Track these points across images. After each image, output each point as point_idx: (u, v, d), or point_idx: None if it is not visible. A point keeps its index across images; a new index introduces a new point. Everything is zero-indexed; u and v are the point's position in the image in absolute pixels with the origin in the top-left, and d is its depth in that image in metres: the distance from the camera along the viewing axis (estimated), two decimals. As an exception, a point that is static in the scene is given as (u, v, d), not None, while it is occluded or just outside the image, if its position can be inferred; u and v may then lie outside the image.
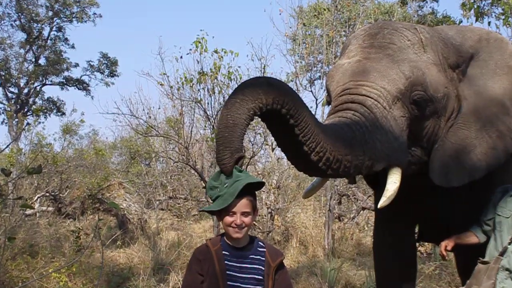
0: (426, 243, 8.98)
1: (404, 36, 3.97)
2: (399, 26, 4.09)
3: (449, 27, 4.60)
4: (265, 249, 2.98)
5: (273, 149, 10.80)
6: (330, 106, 3.94)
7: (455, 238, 4.24)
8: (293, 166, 3.51)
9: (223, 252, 2.91)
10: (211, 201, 2.91)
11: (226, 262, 2.89)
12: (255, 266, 2.92)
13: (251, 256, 2.94)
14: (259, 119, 8.92)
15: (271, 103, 2.90)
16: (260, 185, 2.99)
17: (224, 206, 2.81)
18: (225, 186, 2.81)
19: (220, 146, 2.72)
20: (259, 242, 3.01)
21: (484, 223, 4.22)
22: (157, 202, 14.15)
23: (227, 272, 2.87)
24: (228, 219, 2.87)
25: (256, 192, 3.06)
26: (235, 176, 2.80)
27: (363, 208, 11.53)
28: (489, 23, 7.89)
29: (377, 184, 4.11)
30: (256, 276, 2.90)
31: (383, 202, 3.69)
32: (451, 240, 4.23)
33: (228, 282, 2.86)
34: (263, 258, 2.94)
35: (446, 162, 3.98)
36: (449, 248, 4.23)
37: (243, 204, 2.85)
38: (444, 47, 4.07)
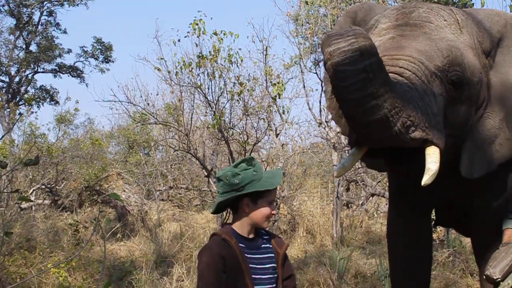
0: (439, 230, 8.83)
1: (441, 15, 3.84)
2: (434, 6, 3.96)
3: (476, 10, 4.48)
4: (268, 237, 2.98)
5: (277, 135, 10.63)
6: None
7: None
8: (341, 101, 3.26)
9: (240, 244, 2.85)
10: (235, 189, 2.81)
11: (245, 255, 2.84)
12: (269, 255, 2.91)
13: (263, 246, 2.92)
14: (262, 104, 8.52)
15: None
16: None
17: (275, 186, 2.88)
18: (249, 171, 2.81)
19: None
20: (261, 230, 2.98)
21: (510, 211, 4.18)
22: (158, 193, 14.06)
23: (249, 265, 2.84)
24: (267, 209, 2.86)
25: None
26: (257, 167, 2.86)
27: (372, 195, 11.50)
28: (506, -3, 7.52)
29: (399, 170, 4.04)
30: (273, 265, 2.89)
31: (426, 179, 3.46)
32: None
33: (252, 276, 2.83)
34: (271, 246, 2.94)
35: (473, 153, 3.90)
36: None
37: (275, 193, 2.93)
38: (478, 31, 3.96)
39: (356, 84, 3.09)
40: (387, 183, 5.54)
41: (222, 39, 9.31)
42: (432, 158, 3.47)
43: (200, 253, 2.85)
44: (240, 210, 2.85)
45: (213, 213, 3.09)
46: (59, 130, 13.78)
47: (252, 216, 2.85)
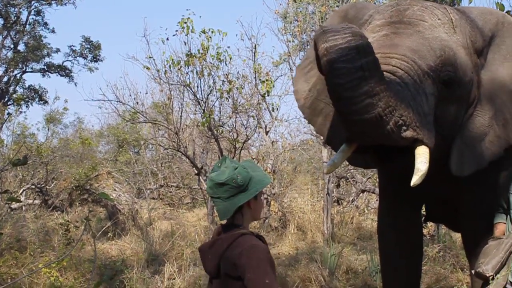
0: (429, 225, 8.85)
1: (435, 14, 3.85)
2: (429, 4, 3.97)
3: (469, 9, 4.44)
4: None
5: (267, 132, 10.63)
6: None
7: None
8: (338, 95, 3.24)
9: None
10: (241, 190, 2.71)
11: None
12: None
13: None
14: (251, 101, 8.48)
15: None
16: None
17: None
18: (244, 169, 2.72)
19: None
20: None
21: (501, 206, 4.23)
22: (148, 191, 14.04)
23: None
24: (263, 202, 2.77)
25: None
26: (237, 162, 2.79)
27: (363, 191, 11.49)
28: (492, -8, 7.52)
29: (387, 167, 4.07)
30: None
31: (415, 180, 3.49)
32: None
33: None
34: None
35: (462, 151, 3.92)
36: None
37: None
38: (471, 30, 3.97)
39: (351, 82, 3.10)
40: (378, 179, 5.56)
41: (210, 37, 9.35)
42: (422, 158, 3.49)
43: (252, 251, 2.63)
44: (244, 209, 2.78)
45: (223, 219, 2.87)
46: (48, 129, 13.71)
47: (254, 212, 2.82)
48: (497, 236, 4.09)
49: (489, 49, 4.12)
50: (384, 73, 3.32)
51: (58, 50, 27.86)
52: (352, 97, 3.15)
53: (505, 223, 4.18)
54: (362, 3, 5.07)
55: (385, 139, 3.39)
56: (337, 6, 10.20)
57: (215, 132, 9.60)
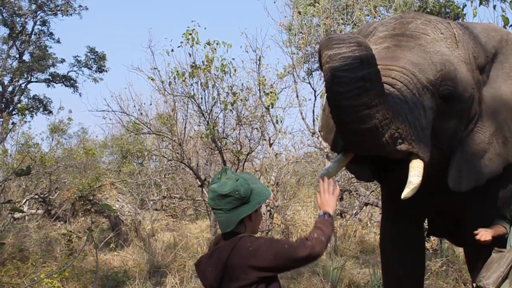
0: (432, 239, 8.82)
1: (438, 28, 3.86)
2: (432, 18, 3.99)
3: (473, 24, 4.45)
4: None
5: (270, 145, 10.61)
6: None
7: (490, 231, 4.15)
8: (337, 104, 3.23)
9: None
10: (244, 202, 2.73)
11: None
12: None
13: None
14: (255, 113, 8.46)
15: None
16: None
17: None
18: (245, 181, 2.74)
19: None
20: None
21: (504, 218, 4.25)
22: (151, 202, 14.01)
23: None
24: (261, 214, 2.87)
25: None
26: (238, 175, 2.81)
27: (366, 204, 11.42)
28: (494, 6, 7.54)
29: (383, 178, 4.04)
30: None
31: (406, 193, 3.49)
32: (488, 232, 4.12)
33: None
34: None
35: (461, 166, 3.92)
36: (486, 238, 4.10)
37: None
38: (474, 46, 3.98)
39: (351, 92, 3.10)
40: (381, 193, 5.55)
41: (215, 49, 9.35)
42: (415, 171, 3.49)
43: (257, 244, 2.68)
44: (246, 221, 2.77)
45: (225, 231, 2.83)
46: (52, 139, 13.70)
47: (255, 224, 2.82)
48: (498, 249, 4.08)
49: (492, 66, 4.12)
50: (384, 85, 3.32)
51: (63, 60, 28.08)
52: (350, 106, 3.15)
53: (505, 227, 4.19)
54: (374, 21, 5.10)
55: (380, 150, 3.40)
56: (342, 19, 10.25)
57: (219, 144, 9.60)
